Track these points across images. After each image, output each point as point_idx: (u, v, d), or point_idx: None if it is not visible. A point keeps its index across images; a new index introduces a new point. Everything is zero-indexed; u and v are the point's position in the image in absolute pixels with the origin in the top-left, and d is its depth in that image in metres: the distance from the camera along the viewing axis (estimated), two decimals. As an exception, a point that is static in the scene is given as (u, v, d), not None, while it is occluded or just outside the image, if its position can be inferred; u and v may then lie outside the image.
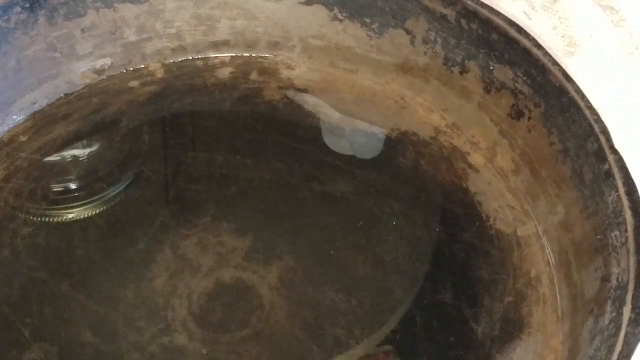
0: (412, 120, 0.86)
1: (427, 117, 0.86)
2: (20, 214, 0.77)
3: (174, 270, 0.74)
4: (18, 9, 0.79)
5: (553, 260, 0.73)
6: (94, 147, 0.84)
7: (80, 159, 0.83)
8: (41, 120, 0.84)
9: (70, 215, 0.78)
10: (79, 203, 0.79)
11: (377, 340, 0.70)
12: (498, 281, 0.73)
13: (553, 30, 0.74)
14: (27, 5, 0.80)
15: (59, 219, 0.78)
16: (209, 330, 0.71)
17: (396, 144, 0.84)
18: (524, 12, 0.75)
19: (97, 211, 0.78)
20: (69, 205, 0.79)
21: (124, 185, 0.81)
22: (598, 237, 0.65)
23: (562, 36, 0.73)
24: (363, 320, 0.71)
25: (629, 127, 0.67)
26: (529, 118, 0.76)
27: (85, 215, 0.78)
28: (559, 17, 0.74)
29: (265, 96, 0.88)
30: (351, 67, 0.89)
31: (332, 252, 0.76)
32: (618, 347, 0.54)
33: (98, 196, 0.79)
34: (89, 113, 0.85)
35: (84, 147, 0.84)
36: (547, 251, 0.74)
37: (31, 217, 0.77)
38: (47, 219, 0.77)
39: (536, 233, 0.75)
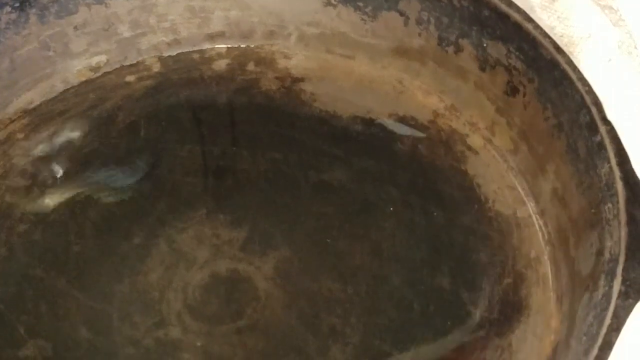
0: (411, 105, 0.84)
1: (426, 101, 0.84)
2: (16, 211, 0.77)
3: (170, 263, 0.73)
4: (8, 8, 0.79)
5: (553, 240, 0.71)
6: (90, 139, 0.84)
7: (73, 142, 0.83)
8: (38, 117, 0.84)
9: (62, 202, 0.78)
10: (72, 189, 0.79)
11: (373, 327, 0.69)
12: (497, 263, 0.71)
13: (552, 30, 0.73)
14: (17, 4, 0.80)
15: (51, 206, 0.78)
16: (204, 323, 0.70)
17: (394, 129, 0.83)
18: (522, 11, 0.74)
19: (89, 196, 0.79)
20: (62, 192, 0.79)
21: (121, 179, 0.81)
22: (593, 211, 0.63)
23: (561, 36, 0.72)
24: (360, 308, 0.70)
25: (628, 127, 0.66)
26: (524, 94, 0.74)
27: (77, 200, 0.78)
28: (558, 17, 0.73)
29: (262, 87, 0.87)
30: (348, 53, 0.88)
31: (328, 240, 0.75)
32: (607, 321, 0.52)
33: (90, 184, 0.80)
34: (85, 109, 0.85)
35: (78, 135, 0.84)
36: (546, 230, 0.72)
37: (27, 213, 0.77)
38: (41, 209, 0.77)
39: (536, 213, 0.74)
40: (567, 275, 0.67)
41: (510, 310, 0.68)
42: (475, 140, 0.80)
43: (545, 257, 0.70)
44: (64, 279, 0.72)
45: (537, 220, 0.73)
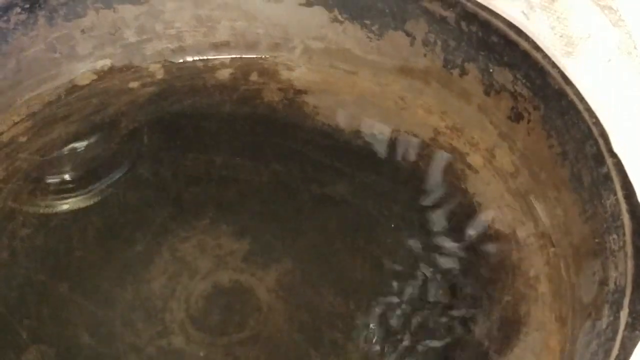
0: (412, 122, 0.85)
1: (427, 119, 0.85)
2: (19, 215, 0.77)
3: (173, 272, 0.74)
4: (18, 9, 0.79)
5: (552, 261, 0.72)
6: (93, 145, 0.84)
7: (78, 150, 0.83)
8: (41, 121, 0.84)
9: (65, 207, 0.78)
10: (75, 194, 0.79)
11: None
12: (496, 281, 0.73)
13: (551, 30, 0.73)
14: (27, 6, 0.80)
15: (54, 210, 0.78)
16: (207, 333, 0.70)
17: (396, 145, 0.84)
18: (522, 12, 0.75)
19: (93, 203, 0.79)
20: (64, 197, 0.79)
21: (124, 186, 0.81)
22: (596, 240, 0.64)
23: (561, 36, 0.73)
24: (361, 323, 0.71)
25: (628, 127, 0.67)
26: (529, 121, 0.75)
27: (80, 207, 0.78)
28: (558, 17, 0.74)
29: (265, 97, 0.88)
30: (351, 68, 0.89)
31: (330, 254, 0.76)
32: (615, 352, 0.54)
33: (93, 190, 0.80)
34: (88, 114, 0.85)
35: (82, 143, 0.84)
36: (545, 252, 0.73)
37: (29, 217, 0.77)
38: (43, 213, 0.77)
39: (535, 234, 0.75)
40: (567, 297, 0.68)
41: (509, 328, 0.69)
42: (476, 159, 0.82)
43: (545, 277, 0.72)
44: (66, 284, 0.73)
45: (536, 241, 0.75)
